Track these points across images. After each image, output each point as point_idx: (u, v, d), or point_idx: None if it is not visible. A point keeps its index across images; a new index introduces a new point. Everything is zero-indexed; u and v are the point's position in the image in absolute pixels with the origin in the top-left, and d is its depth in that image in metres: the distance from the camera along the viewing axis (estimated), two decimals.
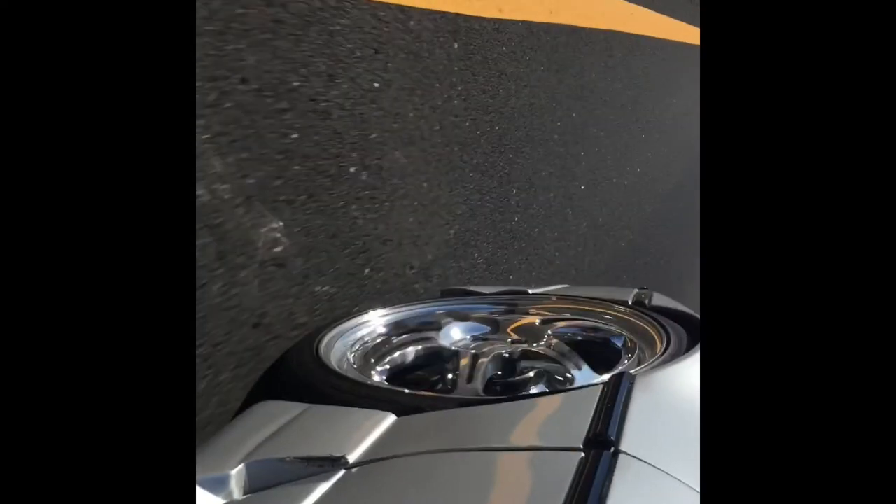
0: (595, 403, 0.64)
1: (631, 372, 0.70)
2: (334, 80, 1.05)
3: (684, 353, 0.76)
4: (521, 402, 0.69)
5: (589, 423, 0.60)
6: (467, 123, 1.47)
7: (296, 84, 0.97)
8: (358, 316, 0.98)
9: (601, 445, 0.57)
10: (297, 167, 0.98)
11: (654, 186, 3.09)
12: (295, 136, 0.97)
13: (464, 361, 0.84)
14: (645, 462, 0.56)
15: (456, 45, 1.41)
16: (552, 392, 0.72)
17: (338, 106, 1.06)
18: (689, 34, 3.66)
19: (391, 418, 0.68)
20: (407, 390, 0.74)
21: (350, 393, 0.73)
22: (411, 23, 1.25)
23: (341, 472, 0.61)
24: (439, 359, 0.91)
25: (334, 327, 0.95)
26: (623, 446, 0.57)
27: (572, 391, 0.70)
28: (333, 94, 1.05)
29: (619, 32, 2.43)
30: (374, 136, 1.14)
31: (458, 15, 1.40)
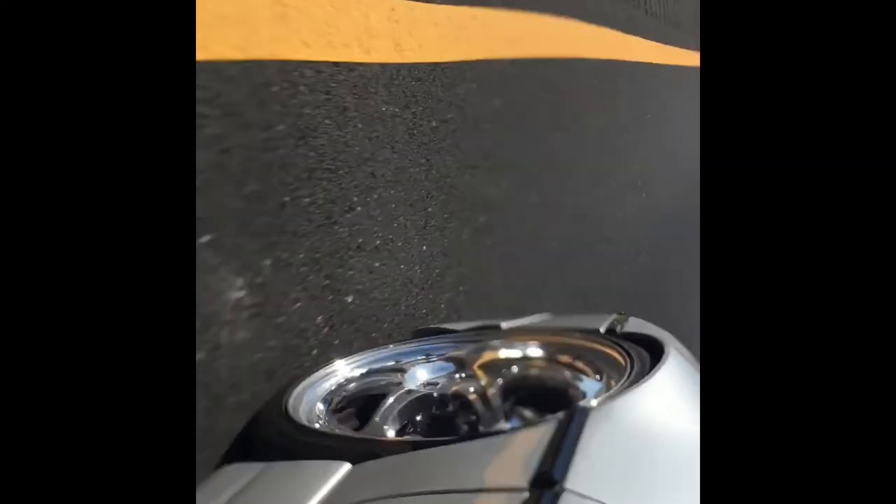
0: (547, 440, 0.64)
1: (585, 404, 0.69)
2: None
3: (642, 380, 0.76)
4: (476, 441, 0.68)
5: (538, 462, 0.60)
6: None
7: None
8: (326, 366, 0.98)
9: (545, 484, 0.57)
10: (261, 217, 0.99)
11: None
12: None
13: (421, 405, 0.84)
14: (590, 499, 0.56)
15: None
16: (505, 431, 0.72)
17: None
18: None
19: (346, 468, 0.68)
20: (362, 436, 0.73)
21: (307, 444, 0.73)
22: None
23: None
24: (404, 401, 0.90)
25: (303, 379, 0.95)
26: (569, 483, 0.57)
27: (526, 428, 0.70)
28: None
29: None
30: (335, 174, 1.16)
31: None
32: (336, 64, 1.18)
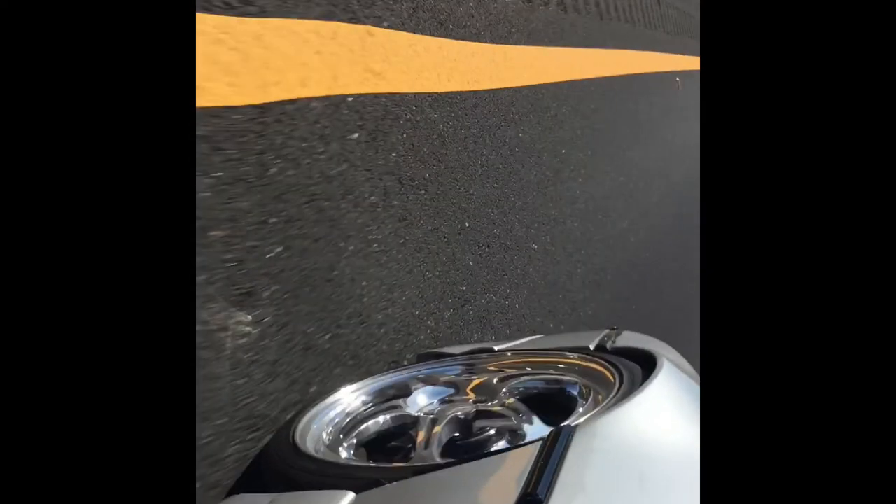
0: (534, 460, 0.67)
1: (572, 423, 0.73)
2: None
3: (630, 396, 0.78)
4: (471, 464, 0.72)
5: (524, 481, 0.64)
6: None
7: None
8: (331, 394, 1.02)
9: (531, 503, 0.60)
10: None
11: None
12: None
13: (421, 429, 0.88)
14: None
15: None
16: (499, 451, 0.75)
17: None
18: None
19: (349, 497, 0.71)
20: (367, 464, 0.77)
21: (313, 473, 0.77)
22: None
23: None
24: (406, 427, 0.94)
25: (310, 409, 0.99)
26: (553, 501, 0.61)
27: (515, 449, 0.73)
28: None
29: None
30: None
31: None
32: None
